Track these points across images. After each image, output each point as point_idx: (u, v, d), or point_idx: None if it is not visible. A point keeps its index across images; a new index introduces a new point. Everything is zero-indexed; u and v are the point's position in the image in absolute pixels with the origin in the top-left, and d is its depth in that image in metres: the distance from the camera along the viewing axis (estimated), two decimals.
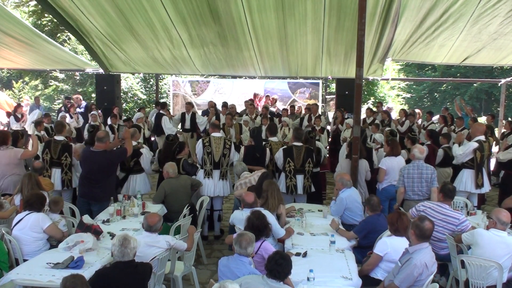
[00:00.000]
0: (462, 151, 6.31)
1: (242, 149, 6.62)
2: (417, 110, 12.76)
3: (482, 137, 6.41)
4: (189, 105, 10.96)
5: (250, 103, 11.57)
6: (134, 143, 6.25)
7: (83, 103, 12.77)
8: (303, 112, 12.33)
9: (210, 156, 6.16)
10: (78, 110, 11.90)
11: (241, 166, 6.14)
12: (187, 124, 10.48)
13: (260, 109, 12.69)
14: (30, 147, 7.12)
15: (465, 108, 11.39)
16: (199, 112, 11.89)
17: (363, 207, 5.30)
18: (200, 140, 6.34)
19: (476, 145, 6.27)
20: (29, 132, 9.02)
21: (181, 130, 10.61)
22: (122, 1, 8.21)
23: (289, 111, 11.73)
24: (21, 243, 4.23)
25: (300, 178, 6.19)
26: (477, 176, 6.35)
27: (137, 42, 10.19)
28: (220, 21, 8.81)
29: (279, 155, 6.25)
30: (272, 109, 13.09)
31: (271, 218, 4.40)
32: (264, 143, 6.91)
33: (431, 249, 3.68)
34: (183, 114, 10.64)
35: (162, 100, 15.06)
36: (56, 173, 6.31)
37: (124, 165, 6.21)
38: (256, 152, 6.41)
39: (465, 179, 6.48)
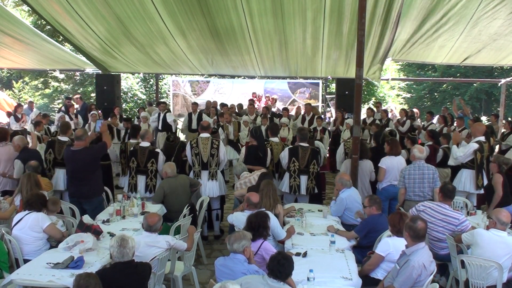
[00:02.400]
0: (463, 152, 6.28)
1: (244, 149, 6.60)
2: (415, 110, 12.76)
3: (482, 138, 6.40)
4: (195, 105, 11.01)
5: (250, 103, 11.59)
6: (147, 143, 6.25)
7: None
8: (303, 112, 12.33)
9: (198, 157, 6.15)
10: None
11: (240, 166, 6.13)
12: (194, 124, 10.48)
13: (260, 109, 12.72)
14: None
15: (464, 108, 11.37)
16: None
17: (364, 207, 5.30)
18: (188, 142, 6.34)
19: (476, 146, 6.26)
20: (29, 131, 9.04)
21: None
22: (120, 9, 8.24)
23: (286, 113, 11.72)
24: (21, 242, 4.23)
25: (304, 179, 6.19)
26: (477, 177, 6.35)
27: (135, 46, 10.25)
28: (219, 29, 8.90)
29: (284, 154, 6.25)
30: (272, 109, 13.11)
31: (273, 220, 4.39)
32: (265, 143, 6.91)
33: (427, 249, 3.68)
34: (189, 115, 10.71)
35: (162, 100, 15.10)
36: (60, 173, 6.31)
37: (139, 166, 6.21)
38: (260, 151, 6.39)
39: (464, 179, 6.47)
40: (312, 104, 13.10)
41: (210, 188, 6.17)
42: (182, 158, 6.46)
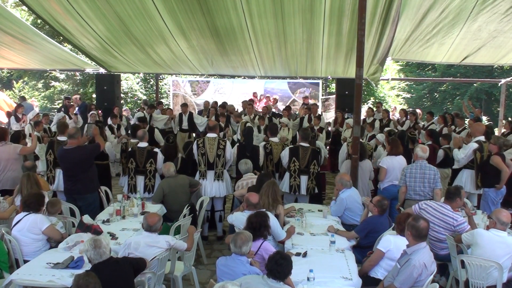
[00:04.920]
0: (464, 153, 6.29)
1: (235, 147, 6.62)
2: (418, 110, 12.74)
3: (482, 138, 6.40)
4: (185, 106, 11.24)
5: (249, 103, 11.58)
6: (145, 144, 6.30)
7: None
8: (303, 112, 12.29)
9: (204, 157, 6.16)
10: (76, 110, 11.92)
11: (246, 165, 6.11)
12: (185, 125, 10.75)
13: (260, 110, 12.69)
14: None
15: (473, 109, 11.37)
16: (196, 112, 12.09)
17: (364, 207, 5.29)
18: (195, 142, 6.35)
19: (476, 145, 6.26)
20: (26, 131, 9.03)
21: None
22: (120, 7, 8.24)
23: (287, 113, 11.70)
24: (20, 244, 4.22)
25: (304, 179, 6.19)
26: (477, 177, 6.35)
27: (135, 45, 10.25)
28: (220, 29, 8.91)
29: (284, 154, 6.27)
30: (273, 109, 13.08)
31: (273, 220, 4.39)
32: (264, 143, 6.91)
33: (429, 249, 3.68)
34: (180, 115, 10.88)
35: (162, 100, 15.15)
36: (61, 174, 6.30)
37: (138, 167, 6.21)
38: (246, 151, 6.41)
39: (465, 179, 6.48)
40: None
41: (216, 188, 6.19)
42: (192, 157, 6.46)
